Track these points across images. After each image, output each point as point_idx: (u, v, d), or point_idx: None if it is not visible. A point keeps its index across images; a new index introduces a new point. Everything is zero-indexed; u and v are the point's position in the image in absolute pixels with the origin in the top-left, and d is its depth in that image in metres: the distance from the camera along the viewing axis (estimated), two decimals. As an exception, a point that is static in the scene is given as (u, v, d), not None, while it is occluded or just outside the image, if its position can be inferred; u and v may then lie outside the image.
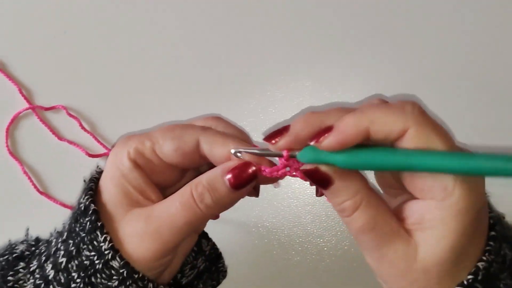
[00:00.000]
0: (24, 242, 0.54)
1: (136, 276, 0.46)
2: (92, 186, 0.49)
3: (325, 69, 0.88)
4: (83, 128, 0.87)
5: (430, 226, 0.41)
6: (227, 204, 0.47)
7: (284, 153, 0.44)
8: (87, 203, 0.47)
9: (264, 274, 0.87)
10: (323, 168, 0.42)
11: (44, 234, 0.56)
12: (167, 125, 0.48)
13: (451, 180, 0.40)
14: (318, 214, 0.86)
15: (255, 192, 0.50)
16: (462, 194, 0.40)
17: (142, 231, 0.46)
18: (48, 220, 0.83)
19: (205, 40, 0.88)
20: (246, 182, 0.45)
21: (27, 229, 0.59)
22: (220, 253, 0.57)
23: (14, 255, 0.52)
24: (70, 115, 0.87)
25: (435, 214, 0.41)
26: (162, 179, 0.49)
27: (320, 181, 0.43)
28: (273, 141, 0.43)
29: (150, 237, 0.46)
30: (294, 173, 0.45)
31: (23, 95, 0.87)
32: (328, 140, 0.41)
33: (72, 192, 0.86)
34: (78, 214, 0.48)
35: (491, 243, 0.43)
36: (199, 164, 0.49)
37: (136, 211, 0.47)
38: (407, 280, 0.42)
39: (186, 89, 0.88)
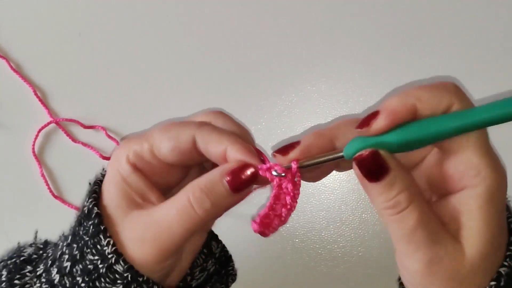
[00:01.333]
0: (33, 245, 0.55)
1: (140, 279, 0.45)
2: (96, 189, 0.49)
3: (341, 74, 0.87)
4: (107, 135, 0.87)
5: (468, 219, 0.41)
6: (228, 206, 0.46)
7: (293, 164, 0.43)
8: (90, 206, 0.47)
9: (278, 279, 0.86)
10: (383, 153, 0.40)
11: (55, 237, 0.56)
12: (164, 123, 0.47)
13: (483, 163, 0.40)
14: (332, 220, 0.85)
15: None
16: (494, 179, 0.40)
17: (142, 236, 0.45)
18: (61, 223, 0.85)
19: (224, 44, 0.88)
20: (246, 184, 0.44)
21: (36, 232, 0.58)
22: (230, 256, 0.56)
23: (21, 258, 0.52)
24: (88, 127, 0.87)
25: (471, 205, 0.40)
26: (165, 179, 0.49)
27: (377, 170, 0.40)
28: (285, 154, 0.44)
29: (149, 243, 0.45)
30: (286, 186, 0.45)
31: (40, 100, 0.87)
32: (379, 121, 0.40)
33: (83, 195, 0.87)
34: (82, 218, 0.47)
35: (511, 248, 0.42)
36: (200, 161, 0.48)
37: (135, 214, 0.46)
38: (456, 280, 0.41)
39: (201, 93, 0.88)
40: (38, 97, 0.87)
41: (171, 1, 0.89)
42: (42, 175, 0.87)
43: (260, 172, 0.44)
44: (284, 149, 0.44)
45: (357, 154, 0.41)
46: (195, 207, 0.44)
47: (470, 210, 0.40)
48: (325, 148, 0.42)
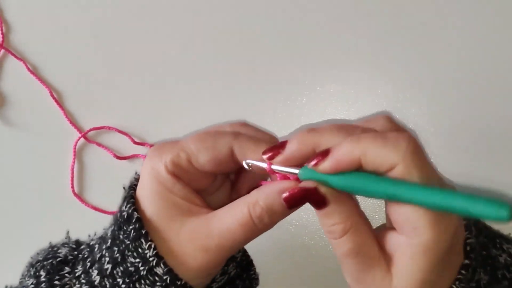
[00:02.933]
0: (66, 245, 0.55)
1: (178, 283, 0.47)
2: (133, 194, 0.50)
3: (350, 76, 0.88)
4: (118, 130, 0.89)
5: (401, 260, 0.43)
6: (280, 220, 0.48)
7: (266, 165, 0.46)
8: (130, 211, 0.48)
9: (287, 276, 0.87)
10: (322, 189, 0.44)
11: (71, 234, 0.58)
12: (197, 134, 0.49)
13: (422, 222, 0.41)
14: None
15: None
16: (431, 236, 0.41)
17: (205, 247, 0.47)
18: (78, 220, 0.86)
19: (234, 47, 0.89)
20: (303, 202, 0.46)
21: (68, 232, 0.60)
22: (251, 260, 0.57)
23: (58, 259, 0.53)
24: (102, 128, 0.89)
25: (406, 250, 0.43)
26: (199, 185, 0.50)
27: (317, 201, 0.44)
28: (269, 157, 0.46)
29: (213, 252, 0.47)
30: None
31: (53, 98, 0.89)
32: (324, 165, 0.43)
33: (99, 194, 0.89)
34: (121, 222, 0.49)
35: (463, 271, 0.44)
36: (235, 169, 0.50)
37: (193, 223, 0.48)
38: None
39: (209, 93, 0.89)
40: (54, 98, 0.89)
41: (186, 3, 0.90)
42: (72, 169, 0.89)
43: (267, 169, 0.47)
44: (269, 150, 0.47)
45: (301, 185, 0.45)
46: (256, 222, 0.47)
47: (405, 254, 0.43)
48: (306, 156, 0.44)
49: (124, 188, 0.52)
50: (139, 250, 0.47)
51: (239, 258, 0.56)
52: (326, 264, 0.86)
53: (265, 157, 0.46)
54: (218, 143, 0.48)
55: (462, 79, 0.86)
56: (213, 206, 0.50)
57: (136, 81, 0.90)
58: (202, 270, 0.48)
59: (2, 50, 0.89)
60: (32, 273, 0.53)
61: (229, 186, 0.54)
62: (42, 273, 0.52)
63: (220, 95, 0.89)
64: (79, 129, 0.89)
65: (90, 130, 0.89)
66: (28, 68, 0.89)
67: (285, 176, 0.47)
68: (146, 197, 0.49)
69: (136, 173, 0.53)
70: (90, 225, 0.55)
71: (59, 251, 0.54)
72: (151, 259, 0.47)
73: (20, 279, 0.55)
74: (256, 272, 0.58)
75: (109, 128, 0.89)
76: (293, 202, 0.46)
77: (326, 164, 0.42)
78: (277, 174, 0.47)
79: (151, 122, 0.89)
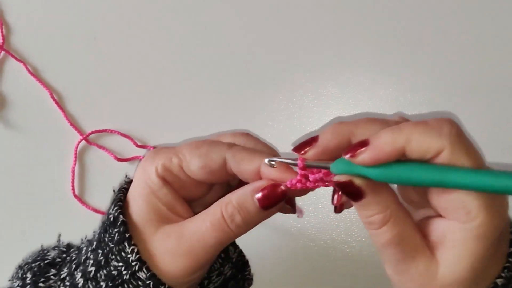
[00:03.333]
0: (56, 248, 0.56)
1: (162, 287, 0.46)
2: (121, 197, 0.50)
3: (351, 78, 0.88)
4: (120, 133, 0.88)
5: (451, 246, 0.42)
6: (256, 223, 0.47)
7: (299, 161, 0.45)
8: (116, 214, 0.48)
9: (288, 279, 0.87)
10: (357, 181, 0.42)
11: (71, 237, 0.57)
12: (194, 141, 0.49)
13: (475, 205, 0.40)
14: (343, 220, 0.86)
15: (292, 209, 0.51)
16: (484, 219, 0.40)
17: (174, 250, 0.47)
18: (78, 223, 0.86)
19: (236, 50, 0.89)
20: (275, 202, 0.46)
21: (59, 235, 0.60)
22: (247, 261, 0.57)
23: (45, 261, 0.53)
24: (101, 131, 0.88)
25: (457, 235, 0.41)
26: (190, 194, 0.50)
27: (352, 194, 0.43)
28: (302, 152, 0.44)
29: (182, 256, 0.47)
30: (317, 184, 0.46)
31: (54, 100, 0.89)
32: (363, 156, 0.41)
33: (100, 196, 0.89)
34: (107, 225, 0.49)
35: (511, 259, 0.43)
36: (226, 180, 0.50)
37: (167, 229, 0.48)
38: None
39: (212, 97, 0.89)
40: (54, 100, 0.89)
41: (188, 5, 0.90)
42: (73, 171, 0.88)
43: (289, 185, 0.46)
44: (300, 147, 0.45)
45: (336, 179, 0.43)
46: (227, 222, 0.46)
47: (455, 239, 0.41)
48: (341, 148, 0.43)
49: (113, 190, 0.52)
50: (122, 254, 0.47)
51: (234, 258, 0.56)
52: (328, 266, 0.86)
53: (297, 153, 0.45)
54: (212, 151, 0.47)
55: (464, 82, 0.86)
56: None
57: (137, 84, 0.90)
58: (173, 274, 0.47)
59: (3, 52, 0.89)
60: (19, 275, 0.53)
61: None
62: (29, 275, 0.52)
63: (222, 98, 0.89)
64: (80, 131, 0.88)
65: (92, 132, 0.88)
66: (29, 70, 0.89)
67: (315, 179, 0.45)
68: (133, 197, 0.49)
69: (126, 176, 0.53)
70: (90, 227, 0.55)
71: (48, 253, 0.54)
72: (133, 263, 0.46)
73: (9, 280, 0.55)
74: (250, 273, 0.58)
75: (111, 131, 0.88)
76: (266, 202, 0.46)
77: (366, 156, 0.41)
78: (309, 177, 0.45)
79: (153, 125, 0.89)
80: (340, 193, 0.45)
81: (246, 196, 0.46)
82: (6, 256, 0.88)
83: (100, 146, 0.89)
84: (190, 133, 0.86)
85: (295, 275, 0.87)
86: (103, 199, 0.87)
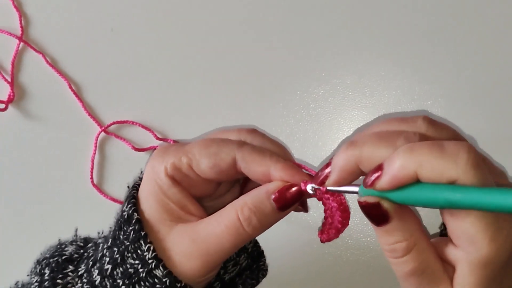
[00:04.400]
0: (73, 243, 0.56)
1: (178, 285, 0.47)
2: (135, 194, 0.50)
3: (366, 67, 0.87)
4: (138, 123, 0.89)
5: (461, 275, 0.41)
6: (272, 224, 0.48)
7: (321, 188, 0.45)
8: (130, 211, 0.48)
9: (304, 268, 0.87)
10: (385, 204, 0.41)
11: (91, 228, 0.58)
12: (203, 139, 0.48)
13: (479, 235, 0.39)
14: (358, 210, 0.86)
15: (304, 208, 0.51)
16: (489, 250, 0.39)
17: (190, 252, 0.47)
18: (97, 213, 0.87)
19: (250, 40, 0.89)
20: (292, 203, 0.46)
21: (76, 230, 0.60)
22: (262, 251, 0.57)
23: (63, 257, 0.53)
24: (122, 122, 0.89)
25: (464, 266, 0.41)
26: (200, 191, 0.50)
27: (378, 217, 0.42)
28: (319, 181, 0.45)
29: (198, 258, 0.47)
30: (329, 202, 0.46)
31: (72, 90, 0.90)
32: (381, 183, 0.40)
33: (118, 185, 0.90)
34: (122, 222, 0.49)
35: None
36: (236, 178, 0.50)
37: (181, 229, 0.48)
38: None
39: (230, 88, 0.90)
40: (73, 90, 0.89)
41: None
42: (92, 161, 0.89)
43: (303, 188, 0.46)
44: (318, 177, 0.45)
45: (362, 199, 0.42)
46: (244, 225, 0.46)
47: (463, 269, 0.41)
48: (354, 172, 0.43)
49: (128, 187, 0.52)
50: (139, 251, 0.47)
51: (250, 249, 0.56)
52: (344, 255, 0.86)
53: (315, 186, 0.45)
54: (222, 151, 0.47)
55: (481, 74, 0.86)
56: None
57: (155, 75, 0.90)
58: (189, 277, 0.47)
59: (21, 44, 0.90)
60: (37, 270, 0.54)
61: (238, 191, 0.54)
62: (47, 271, 0.53)
63: (239, 91, 0.89)
64: (98, 121, 0.89)
65: (113, 123, 0.89)
66: (47, 61, 0.90)
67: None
68: (144, 197, 0.49)
69: (141, 172, 0.53)
70: (108, 216, 0.56)
71: (66, 248, 0.55)
72: (150, 261, 0.47)
73: (27, 275, 0.56)
74: (265, 263, 0.58)
75: (132, 122, 0.89)
76: (283, 203, 0.46)
77: (383, 182, 0.40)
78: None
79: (172, 117, 0.90)
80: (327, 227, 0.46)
81: (262, 199, 0.46)
82: (26, 244, 0.90)
83: (118, 136, 0.89)
84: (210, 127, 0.86)
85: (311, 263, 0.87)
86: (121, 189, 0.89)
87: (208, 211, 0.51)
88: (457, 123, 0.85)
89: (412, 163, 0.39)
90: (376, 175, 0.40)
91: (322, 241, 0.48)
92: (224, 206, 0.49)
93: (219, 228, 0.46)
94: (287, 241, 0.87)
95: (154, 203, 0.48)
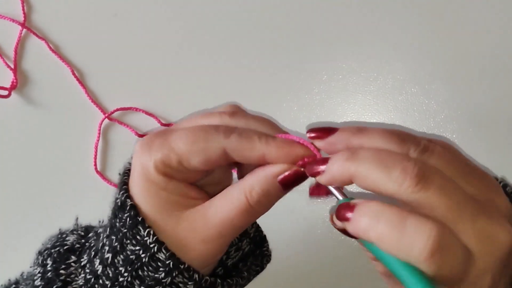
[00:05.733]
0: (74, 232, 0.55)
1: (182, 266, 0.47)
2: (126, 180, 0.49)
3: (371, 52, 0.87)
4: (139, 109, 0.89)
5: None
6: (276, 201, 0.48)
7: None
8: (123, 198, 0.48)
9: (309, 254, 0.88)
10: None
11: (94, 215, 0.57)
12: (187, 129, 0.47)
13: None
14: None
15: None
16: None
17: (205, 236, 0.47)
18: (99, 197, 0.88)
19: (253, 25, 0.89)
20: (297, 183, 0.47)
21: (76, 218, 0.59)
22: (265, 236, 0.57)
23: (65, 248, 0.53)
24: (125, 108, 0.89)
25: None
26: (194, 179, 0.49)
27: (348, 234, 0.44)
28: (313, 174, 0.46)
29: (212, 241, 0.47)
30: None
31: (75, 77, 0.90)
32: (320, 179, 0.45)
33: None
34: (116, 210, 0.48)
35: None
36: (229, 163, 0.49)
37: (189, 216, 0.48)
38: None
39: (235, 74, 0.89)
40: (76, 77, 0.89)
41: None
42: (96, 147, 0.90)
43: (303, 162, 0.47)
44: (323, 131, 0.47)
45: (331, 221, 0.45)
46: (254, 206, 0.46)
47: None
48: (346, 183, 0.44)
49: (119, 174, 0.51)
50: (138, 237, 0.47)
51: (252, 234, 0.56)
52: (349, 240, 0.86)
53: (313, 135, 0.47)
54: (210, 144, 0.46)
55: (483, 57, 0.85)
56: (213, 188, 0.50)
57: (158, 61, 0.90)
58: (205, 260, 0.48)
59: (24, 30, 0.90)
60: (40, 261, 0.53)
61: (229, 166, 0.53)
62: (49, 261, 0.52)
63: (244, 76, 0.89)
64: (101, 108, 0.89)
65: (116, 110, 0.89)
66: (50, 48, 0.90)
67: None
68: (140, 195, 0.48)
69: (132, 157, 0.51)
70: (111, 203, 0.56)
71: (67, 238, 0.54)
72: (151, 245, 0.46)
73: (30, 266, 0.56)
74: (269, 249, 0.57)
75: (136, 109, 0.89)
76: (289, 184, 0.46)
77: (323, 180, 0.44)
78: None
79: (175, 102, 0.90)
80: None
81: (270, 182, 0.46)
82: (31, 232, 0.90)
83: (121, 123, 0.89)
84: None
85: (313, 252, 0.88)
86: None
87: (204, 189, 0.51)
88: (462, 105, 0.85)
89: (373, 231, 0.40)
90: (320, 170, 0.44)
91: (310, 195, 0.49)
92: (217, 180, 0.51)
93: (232, 212, 0.46)
94: (291, 227, 0.87)
95: (154, 199, 0.47)
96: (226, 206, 0.47)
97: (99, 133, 0.89)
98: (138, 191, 0.48)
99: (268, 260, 0.58)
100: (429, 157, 0.43)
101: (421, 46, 0.86)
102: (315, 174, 0.45)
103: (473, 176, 0.44)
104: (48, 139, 0.91)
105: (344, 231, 0.43)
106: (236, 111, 0.50)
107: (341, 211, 0.43)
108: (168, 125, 0.88)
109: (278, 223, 0.85)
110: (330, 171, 0.43)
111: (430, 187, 0.40)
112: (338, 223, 0.43)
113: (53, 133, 0.91)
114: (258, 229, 0.57)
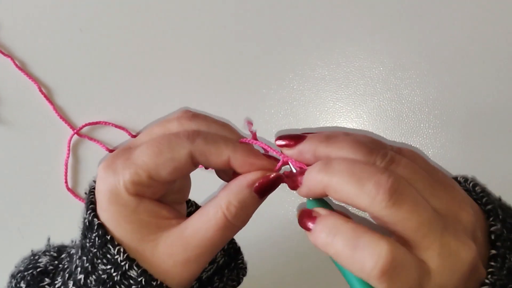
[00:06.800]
0: (47, 253, 0.54)
1: (154, 283, 0.46)
2: (92, 199, 0.48)
3: (341, 58, 0.87)
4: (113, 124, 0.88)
5: None
6: (253, 211, 0.47)
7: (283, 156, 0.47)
8: (90, 218, 0.47)
9: (284, 268, 0.87)
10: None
11: (66, 232, 0.56)
12: (149, 141, 0.46)
13: None
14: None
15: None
16: None
17: (185, 260, 0.46)
18: (72, 215, 0.86)
19: (223, 33, 0.89)
20: (272, 189, 0.46)
21: (48, 239, 0.58)
22: (239, 248, 0.56)
23: (38, 270, 0.52)
24: (95, 123, 0.88)
25: None
26: (162, 193, 0.48)
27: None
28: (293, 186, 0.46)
29: (194, 263, 0.46)
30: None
31: (42, 93, 0.88)
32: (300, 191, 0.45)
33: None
34: (85, 230, 0.47)
35: (492, 263, 0.43)
36: (195, 169, 0.48)
37: (167, 240, 0.46)
38: None
39: (202, 81, 0.89)
40: (43, 93, 0.88)
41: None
42: (66, 164, 0.88)
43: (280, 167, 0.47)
44: (291, 138, 0.46)
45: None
46: (233, 221, 0.45)
47: None
48: (322, 195, 0.44)
49: (85, 193, 0.50)
50: (108, 256, 0.46)
51: (226, 246, 0.55)
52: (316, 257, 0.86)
53: (281, 143, 0.47)
54: (176, 153, 0.45)
55: (455, 61, 0.86)
56: (175, 197, 0.50)
57: (125, 74, 0.89)
58: (186, 281, 0.47)
59: (-11, 47, 0.89)
60: (13, 284, 0.52)
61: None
62: (22, 285, 0.51)
63: (212, 84, 0.88)
64: (70, 124, 0.88)
65: (85, 125, 0.88)
66: (16, 65, 0.89)
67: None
68: (112, 221, 0.46)
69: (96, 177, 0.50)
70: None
71: (40, 260, 0.53)
72: (122, 263, 0.45)
73: None
74: (244, 261, 0.57)
75: (105, 123, 0.88)
76: (264, 191, 0.46)
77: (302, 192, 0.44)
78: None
79: (144, 114, 0.89)
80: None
81: (245, 193, 0.46)
82: (3, 251, 0.88)
83: (91, 138, 0.88)
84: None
85: (291, 263, 0.87)
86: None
87: (166, 199, 0.49)
88: (434, 110, 0.85)
89: (330, 249, 0.41)
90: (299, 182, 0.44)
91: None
92: (178, 187, 0.50)
93: (210, 231, 0.45)
94: (267, 239, 0.86)
95: (127, 225, 0.46)
96: (203, 225, 0.46)
97: (69, 150, 0.88)
98: (109, 217, 0.47)
99: (244, 274, 0.57)
100: (395, 168, 0.43)
101: (392, 51, 0.86)
102: (295, 187, 0.45)
103: (439, 188, 0.43)
104: (17, 157, 0.89)
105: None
106: (195, 114, 0.49)
107: (303, 219, 0.43)
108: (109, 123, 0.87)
109: (254, 236, 0.85)
110: (306, 184, 0.43)
111: (403, 204, 0.40)
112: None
113: (22, 151, 0.89)
114: (232, 241, 0.56)
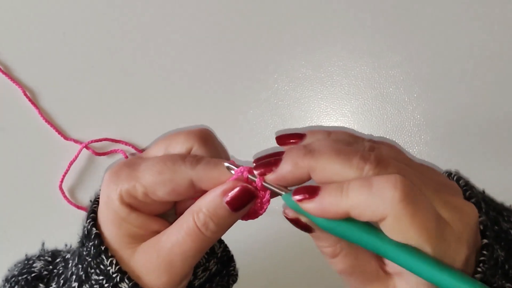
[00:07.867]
0: (41, 258, 0.55)
1: None
2: (95, 208, 0.49)
3: (325, 58, 0.87)
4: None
5: (407, 273, 0.41)
6: (230, 225, 0.47)
7: (257, 180, 0.45)
8: (89, 227, 0.47)
9: (275, 275, 0.87)
10: (303, 219, 0.43)
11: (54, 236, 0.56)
12: (154, 160, 0.47)
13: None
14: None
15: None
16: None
17: (157, 267, 0.46)
18: (60, 218, 0.86)
19: (209, 34, 0.89)
20: (246, 202, 0.45)
21: (43, 244, 0.59)
22: (232, 256, 0.57)
23: (32, 275, 0.52)
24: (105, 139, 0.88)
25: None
26: (159, 211, 0.49)
27: (301, 228, 0.43)
28: (261, 172, 0.45)
29: (165, 271, 0.46)
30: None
31: (27, 97, 0.88)
32: (310, 207, 0.41)
33: (82, 191, 0.88)
34: (83, 238, 0.48)
35: (484, 251, 0.43)
36: (194, 195, 0.48)
37: (144, 247, 0.47)
38: None
39: (185, 85, 0.89)
40: (28, 97, 0.88)
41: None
42: (61, 181, 0.88)
43: (259, 185, 0.46)
44: (261, 166, 0.45)
45: (285, 212, 0.44)
46: (202, 230, 0.45)
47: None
48: (301, 180, 0.43)
49: (90, 201, 0.51)
50: (101, 266, 0.46)
51: (219, 253, 0.55)
52: (308, 263, 0.86)
53: (256, 172, 0.45)
54: (177, 176, 0.45)
55: (437, 60, 0.86)
56: (175, 219, 0.49)
57: (108, 78, 0.89)
58: None
59: (-28, 52, 0.88)
60: None
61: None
62: None
63: (196, 86, 0.89)
64: (56, 128, 0.88)
65: (92, 142, 0.88)
66: (0, 69, 0.88)
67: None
68: (105, 224, 0.48)
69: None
70: (70, 223, 0.54)
71: (34, 265, 0.53)
72: (114, 275, 0.46)
73: None
74: (235, 268, 0.57)
75: (106, 139, 0.88)
76: (236, 204, 0.45)
77: (311, 206, 0.41)
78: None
79: (126, 119, 0.89)
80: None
81: (216, 202, 0.45)
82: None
83: (76, 141, 0.88)
84: (165, 128, 0.85)
85: (282, 271, 0.87)
86: (85, 195, 0.88)
87: (170, 220, 0.49)
88: (418, 109, 0.86)
89: (344, 203, 0.40)
90: (307, 196, 0.41)
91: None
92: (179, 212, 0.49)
93: (180, 236, 0.45)
94: (259, 246, 0.86)
95: (114, 230, 0.47)
96: (175, 230, 0.46)
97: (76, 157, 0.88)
98: (104, 220, 0.48)
99: (234, 280, 0.57)
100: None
101: (376, 50, 0.87)
102: (265, 172, 0.44)
103: (421, 168, 0.44)
104: (3, 161, 0.89)
105: (296, 222, 0.43)
106: (205, 139, 0.49)
107: (305, 192, 0.42)
108: (117, 141, 0.87)
109: (247, 242, 0.85)
110: (282, 170, 0.43)
111: (388, 167, 0.41)
112: (291, 214, 0.43)
113: (6, 155, 0.89)
114: (225, 248, 0.56)
